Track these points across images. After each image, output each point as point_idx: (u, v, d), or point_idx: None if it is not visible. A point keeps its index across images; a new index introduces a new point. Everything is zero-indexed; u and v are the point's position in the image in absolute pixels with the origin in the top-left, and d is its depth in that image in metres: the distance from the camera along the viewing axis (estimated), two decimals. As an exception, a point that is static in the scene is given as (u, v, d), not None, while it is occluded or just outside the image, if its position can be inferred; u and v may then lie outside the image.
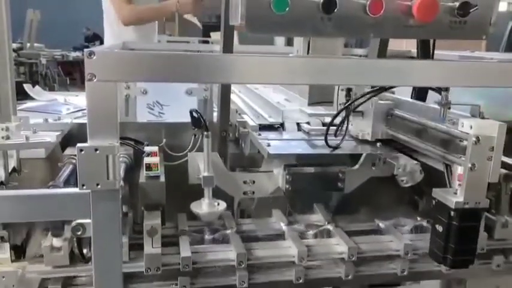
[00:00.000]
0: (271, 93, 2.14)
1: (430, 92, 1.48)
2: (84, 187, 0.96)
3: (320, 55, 1.15)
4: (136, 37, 2.86)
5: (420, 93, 1.54)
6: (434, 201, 1.13)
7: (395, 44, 1.88)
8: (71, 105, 2.25)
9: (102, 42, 3.85)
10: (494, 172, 1.05)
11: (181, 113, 1.55)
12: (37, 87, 2.68)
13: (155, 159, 1.31)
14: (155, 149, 1.38)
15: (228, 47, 1.46)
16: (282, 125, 1.59)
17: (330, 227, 1.34)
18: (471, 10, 1.04)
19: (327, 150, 1.35)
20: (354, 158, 1.38)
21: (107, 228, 1.00)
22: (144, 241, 1.13)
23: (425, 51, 1.33)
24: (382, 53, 1.83)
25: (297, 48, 1.21)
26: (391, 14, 1.03)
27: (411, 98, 1.53)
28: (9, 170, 1.33)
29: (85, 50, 0.90)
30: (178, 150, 1.58)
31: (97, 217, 0.99)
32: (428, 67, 1.08)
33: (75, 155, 0.96)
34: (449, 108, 1.22)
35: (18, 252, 1.21)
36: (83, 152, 0.94)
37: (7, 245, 1.15)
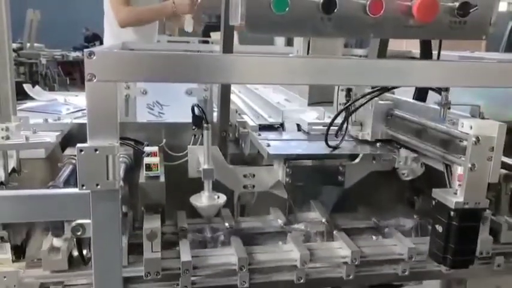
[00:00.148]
0: (271, 93, 2.14)
1: (430, 92, 1.48)
2: (84, 187, 0.96)
3: (320, 55, 1.15)
4: (136, 38, 2.86)
5: (420, 94, 1.53)
6: (434, 202, 1.13)
7: (396, 44, 1.88)
8: (70, 105, 2.25)
9: (102, 43, 3.85)
10: (494, 172, 1.05)
11: (181, 113, 1.56)
12: (37, 87, 2.68)
13: (155, 159, 1.31)
14: (155, 149, 1.38)
15: (228, 47, 1.46)
16: (281, 125, 1.59)
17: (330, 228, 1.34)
18: (471, 10, 1.04)
19: (326, 151, 1.35)
20: (354, 158, 1.37)
21: (107, 229, 1.00)
22: (144, 245, 1.13)
23: (426, 52, 1.33)
24: (382, 53, 1.82)
25: (297, 49, 1.21)
26: (391, 14, 1.03)
27: (413, 98, 1.52)
28: (9, 170, 1.33)
29: (85, 50, 0.90)
30: (178, 150, 1.58)
31: (97, 217, 0.99)
32: (428, 67, 1.08)
33: (75, 155, 0.96)
34: (449, 108, 1.22)
35: (18, 252, 1.21)
36: (82, 152, 0.94)
37: (8, 245, 1.15)
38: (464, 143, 1.09)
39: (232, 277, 1.18)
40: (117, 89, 0.94)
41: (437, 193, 1.12)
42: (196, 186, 1.31)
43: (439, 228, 1.10)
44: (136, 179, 1.30)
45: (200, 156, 1.34)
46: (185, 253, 1.16)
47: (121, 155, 1.22)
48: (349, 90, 1.41)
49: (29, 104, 2.29)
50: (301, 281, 1.20)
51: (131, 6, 2.80)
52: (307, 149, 1.42)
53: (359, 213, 1.48)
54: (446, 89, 1.21)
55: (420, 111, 1.33)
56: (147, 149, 1.39)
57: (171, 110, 1.91)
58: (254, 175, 1.41)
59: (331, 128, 1.36)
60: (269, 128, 1.57)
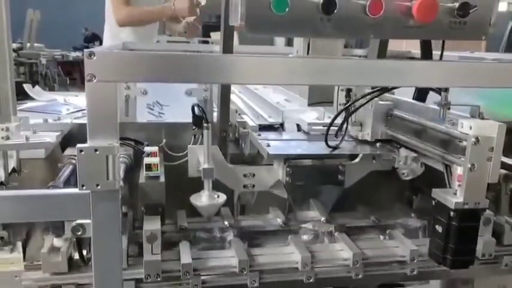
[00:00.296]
0: (271, 93, 2.14)
1: (429, 92, 1.48)
2: (84, 187, 0.96)
3: (320, 55, 1.15)
4: (135, 38, 2.86)
5: (420, 94, 1.53)
6: (434, 202, 1.13)
7: (395, 45, 1.88)
8: (70, 106, 2.25)
9: (101, 43, 3.85)
10: (493, 172, 1.05)
11: (181, 113, 1.56)
12: (37, 87, 2.68)
13: (155, 160, 1.31)
14: (155, 149, 1.38)
15: (227, 47, 1.46)
16: (281, 125, 1.59)
17: (330, 227, 1.34)
18: (471, 11, 1.04)
19: (326, 151, 1.35)
20: (354, 158, 1.38)
21: (107, 229, 1.00)
22: (144, 248, 1.13)
23: (426, 52, 1.33)
24: (382, 53, 1.83)
25: (297, 49, 1.21)
26: (390, 15, 1.03)
27: (413, 98, 1.53)
28: (9, 170, 1.33)
29: (85, 50, 0.90)
30: (178, 150, 1.58)
31: (97, 217, 0.99)
32: (428, 67, 1.08)
33: (75, 156, 0.96)
34: (449, 108, 1.22)
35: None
36: (82, 153, 0.94)
37: (19, 244, 1.15)
38: (464, 143, 1.09)
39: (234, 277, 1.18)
40: (117, 89, 0.94)
41: (437, 193, 1.12)
42: (196, 186, 1.31)
43: (439, 229, 1.11)
44: (136, 179, 1.30)
45: (200, 156, 1.34)
46: (185, 255, 1.16)
47: (121, 155, 1.22)
48: (349, 91, 1.41)
49: (29, 104, 2.30)
50: (311, 280, 1.20)
51: (131, 6, 2.80)
52: (307, 149, 1.42)
53: (358, 212, 1.49)
54: (446, 89, 1.21)
55: (420, 112, 1.33)
56: (147, 149, 1.39)
57: (171, 110, 1.91)
58: (254, 174, 1.41)
59: (331, 128, 1.36)
60: (269, 128, 1.57)
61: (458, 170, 1.10)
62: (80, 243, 1.14)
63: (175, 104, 1.87)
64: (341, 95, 1.41)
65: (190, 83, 1.60)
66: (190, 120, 1.49)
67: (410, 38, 1.11)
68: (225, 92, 1.56)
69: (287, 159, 1.31)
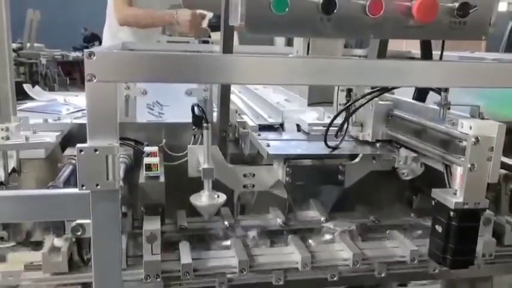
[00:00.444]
0: (271, 93, 2.14)
1: (429, 92, 1.48)
2: (84, 187, 0.96)
3: (320, 55, 1.15)
4: (134, 39, 2.86)
5: (420, 94, 1.53)
6: (433, 202, 1.13)
7: (395, 45, 1.88)
8: (70, 106, 2.25)
9: (101, 43, 3.85)
10: (493, 172, 1.05)
11: (181, 113, 1.56)
12: (37, 87, 2.67)
13: (155, 160, 1.31)
14: (155, 149, 1.39)
15: (227, 47, 1.46)
16: (281, 125, 1.59)
17: (330, 225, 1.34)
18: (471, 11, 1.04)
19: (326, 151, 1.35)
20: (354, 158, 1.37)
21: (107, 229, 1.00)
22: (143, 248, 1.13)
23: (426, 52, 1.33)
24: (382, 53, 1.83)
25: (297, 49, 1.21)
26: (390, 15, 1.03)
27: (413, 98, 1.53)
28: (9, 170, 1.33)
29: (85, 50, 0.90)
30: (178, 150, 1.58)
31: (97, 217, 0.99)
32: (428, 68, 1.08)
33: (75, 156, 0.96)
34: (449, 108, 1.22)
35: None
36: (82, 153, 0.94)
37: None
38: (464, 143, 1.09)
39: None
40: (117, 89, 0.94)
41: (437, 193, 1.12)
42: (196, 186, 1.31)
43: (439, 229, 1.11)
44: (136, 179, 1.30)
45: (200, 156, 1.34)
46: (185, 255, 1.16)
47: (121, 155, 1.22)
48: (349, 91, 1.41)
49: (29, 104, 2.29)
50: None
51: (133, 7, 2.80)
52: (307, 149, 1.42)
53: (356, 211, 1.48)
54: (446, 89, 1.21)
55: (420, 112, 1.33)
56: (147, 149, 1.39)
57: (171, 110, 1.91)
58: (254, 174, 1.41)
59: (331, 128, 1.36)
60: (269, 128, 1.57)
61: (458, 170, 1.10)
62: (80, 244, 1.14)
63: (175, 104, 1.87)
64: (341, 95, 1.41)
65: (190, 83, 1.60)
66: (190, 120, 1.49)
67: (410, 38, 1.11)
68: (225, 92, 1.56)
69: (287, 159, 1.31)
